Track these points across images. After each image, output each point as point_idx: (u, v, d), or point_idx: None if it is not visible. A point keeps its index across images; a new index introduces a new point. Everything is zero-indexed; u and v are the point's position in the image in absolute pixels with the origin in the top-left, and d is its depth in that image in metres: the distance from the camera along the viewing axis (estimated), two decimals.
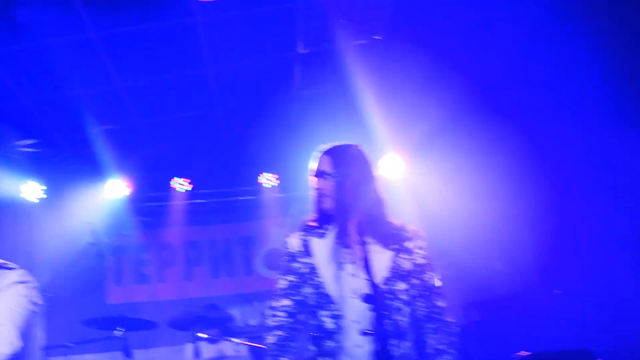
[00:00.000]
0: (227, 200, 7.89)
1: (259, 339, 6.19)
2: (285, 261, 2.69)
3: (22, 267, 2.73)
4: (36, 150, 7.00)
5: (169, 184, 7.72)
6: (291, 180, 7.60)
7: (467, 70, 5.99)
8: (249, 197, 7.87)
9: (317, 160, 2.70)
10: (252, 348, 5.79)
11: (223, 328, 6.39)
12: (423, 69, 6.06)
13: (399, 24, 5.81)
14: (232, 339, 5.67)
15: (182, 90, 6.50)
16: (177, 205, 7.80)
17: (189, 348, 6.23)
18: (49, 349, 5.19)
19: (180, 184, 7.71)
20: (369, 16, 5.74)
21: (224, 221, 8.07)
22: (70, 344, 5.56)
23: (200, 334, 5.45)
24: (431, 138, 6.56)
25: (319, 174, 2.66)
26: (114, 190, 7.45)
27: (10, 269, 2.66)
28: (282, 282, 2.67)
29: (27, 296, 2.61)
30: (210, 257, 7.99)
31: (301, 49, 6.02)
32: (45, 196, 7.51)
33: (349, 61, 6.00)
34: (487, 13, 5.23)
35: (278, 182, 7.82)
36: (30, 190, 7.41)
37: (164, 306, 7.60)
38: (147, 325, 5.63)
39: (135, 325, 5.55)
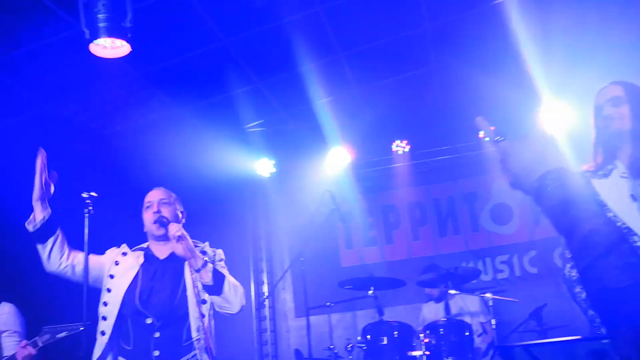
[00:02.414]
0: (447, 158, 7.83)
1: (500, 292, 6.10)
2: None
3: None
4: (264, 129, 7.48)
5: (389, 147, 7.84)
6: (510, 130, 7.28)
7: None
8: (469, 153, 7.72)
9: (605, 91, 2.62)
10: (497, 302, 5.72)
11: (465, 284, 6.41)
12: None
13: None
14: (480, 294, 5.65)
15: (397, 52, 6.51)
16: (399, 168, 7.92)
17: (431, 305, 6.39)
18: (312, 308, 5.60)
19: (400, 146, 7.79)
20: None
21: (445, 179, 8.03)
22: (330, 304, 5.95)
23: (451, 291, 5.50)
24: None
25: (612, 101, 2.58)
26: (338, 158, 7.75)
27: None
28: None
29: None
30: (435, 216, 8.01)
31: None
32: (275, 170, 8.06)
33: None
34: None
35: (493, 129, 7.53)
36: (263, 166, 8.01)
37: (393, 267, 7.81)
38: (396, 283, 5.82)
39: (386, 284, 5.77)
